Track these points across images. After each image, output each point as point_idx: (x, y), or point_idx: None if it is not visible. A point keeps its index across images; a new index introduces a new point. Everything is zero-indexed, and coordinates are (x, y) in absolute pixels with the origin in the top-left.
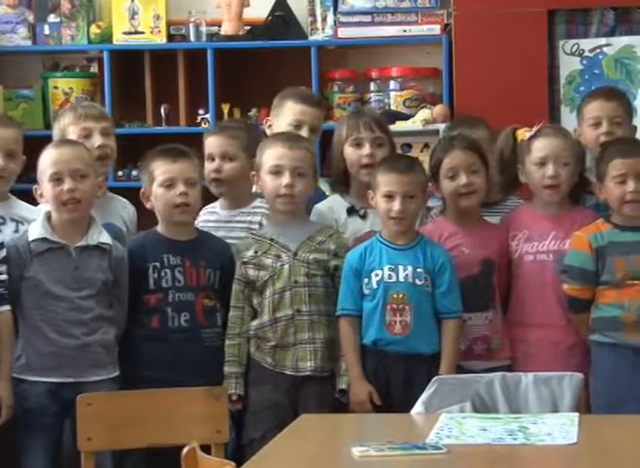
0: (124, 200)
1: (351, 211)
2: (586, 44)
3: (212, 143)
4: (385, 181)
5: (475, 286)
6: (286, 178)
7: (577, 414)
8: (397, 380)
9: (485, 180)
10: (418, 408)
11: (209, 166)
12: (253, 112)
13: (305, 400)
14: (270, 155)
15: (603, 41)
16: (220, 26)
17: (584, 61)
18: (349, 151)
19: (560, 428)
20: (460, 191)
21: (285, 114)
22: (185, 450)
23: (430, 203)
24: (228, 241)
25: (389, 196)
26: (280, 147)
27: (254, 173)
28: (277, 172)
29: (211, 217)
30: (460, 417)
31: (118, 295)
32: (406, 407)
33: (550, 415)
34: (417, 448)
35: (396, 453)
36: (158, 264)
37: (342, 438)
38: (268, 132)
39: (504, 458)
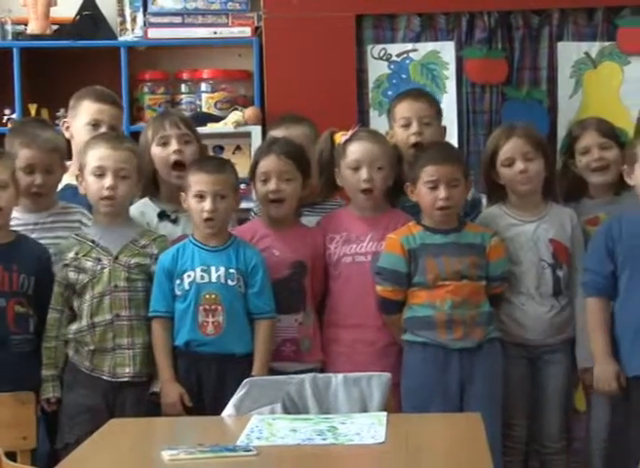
0: None
1: (162, 215)
2: (393, 49)
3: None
4: (196, 181)
5: (285, 288)
6: (108, 180)
7: (385, 414)
8: (209, 382)
9: (297, 188)
10: (229, 410)
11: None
12: (61, 112)
13: (122, 405)
14: (93, 156)
15: (409, 46)
16: (26, 25)
17: (392, 66)
18: (157, 151)
19: (369, 428)
20: (270, 197)
21: (82, 114)
22: None
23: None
24: (51, 241)
25: (200, 196)
26: (103, 148)
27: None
28: (100, 173)
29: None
30: (271, 419)
31: None
32: (218, 408)
33: (359, 415)
34: (227, 451)
35: (206, 456)
36: None
37: (153, 441)
38: (67, 134)
39: (313, 459)
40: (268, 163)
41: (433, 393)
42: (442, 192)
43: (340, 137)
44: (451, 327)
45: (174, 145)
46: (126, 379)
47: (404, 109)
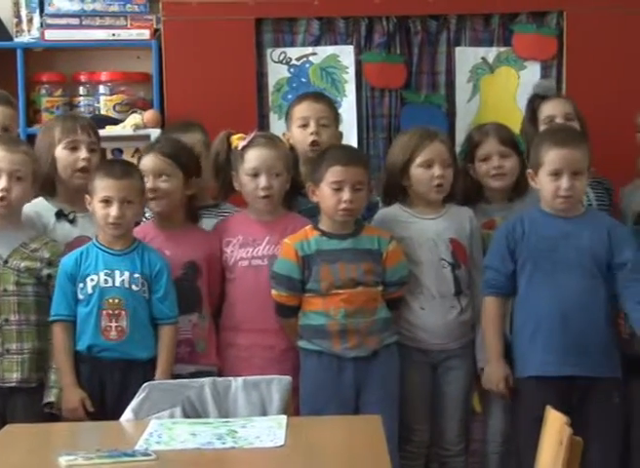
0: None
1: (60, 215)
2: (293, 53)
3: None
4: (103, 187)
5: (178, 289)
6: (2, 182)
7: (284, 417)
8: (112, 387)
9: (176, 185)
10: (127, 414)
11: None
12: None
13: (13, 411)
14: None
15: (309, 50)
16: None
17: (292, 70)
18: (64, 154)
19: (268, 431)
20: (148, 196)
21: None
22: None
23: None
24: None
25: (107, 201)
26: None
27: None
28: None
29: None
30: (171, 423)
31: None
32: (121, 413)
33: (259, 419)
34: (125, 456)
35: (104, 462)
36: None
37: (51, 447)
38: None
39: (213, 463)
40: (146, 161)
41: (329, 398)
42: (346, 194)
43: (237, 140)
44: (344, 336)
45: (83, 152)
46: (14, 385)
47: (302, 110)
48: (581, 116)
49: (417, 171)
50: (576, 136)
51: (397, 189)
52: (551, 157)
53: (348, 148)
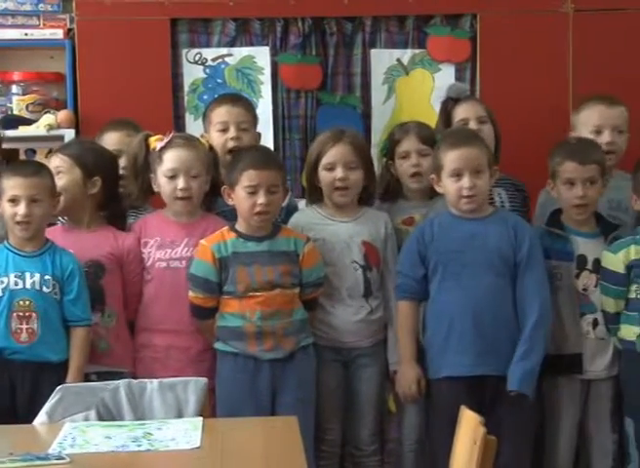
0: None
1: None
2: (209, 53)
3: None
4: (11, 185)
5: None
6: None
7: (200, 419)
8: (23, 390)
9: (73, 184)
10: (41, 417)
11: None
12: None
13: None
14: None
15: (225, 51)
16: None
17: (207, 70)
18: None
19: (184, 433)
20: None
21: None
22: None
23: None
24: None
25: (14, 200)
26: None
27: None
28: None
29: None
30: (85, 426)
31: None
32: (33, 417)
33: (175, 421)
34: (38, 460)
35: (17, 465)
36: None
37: None
38: None
39: (128, 465)
40: (52, 160)
41: (245, 400)
42: (261, 198)
43: (155, 142)
44: (260, 338)
45: None
46: None
47: (221, 114)
48: (494, 118)
49: (322, 173)
50: (471, 136)
51: (314, 189)
52: (450, 158)
53: (262, 151)
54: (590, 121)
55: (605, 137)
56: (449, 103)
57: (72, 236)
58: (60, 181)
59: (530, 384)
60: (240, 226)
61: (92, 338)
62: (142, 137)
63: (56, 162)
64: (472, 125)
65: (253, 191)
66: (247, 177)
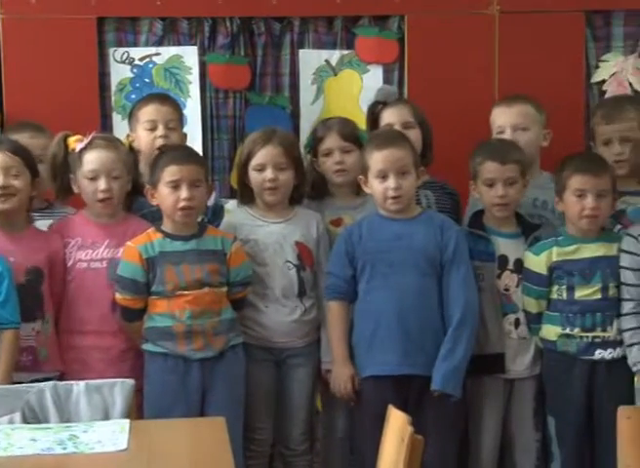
0: None
1: None
2: (136, 53)
3: None
4: None
5: (21, 295)
6: None
7: (127, 421)
8: None
9: (27, 185)
10: None
11: None
12: None
13: None
14: None
15: (153, 50)
16: None
17: (135, 70)
18: None
19: (111, 435)
20: None
21: None
22: None
23: None
24: None
25: None
26: None
27: None
28: None
29: None
30: (10, 428)
31: None
32: None
33: (101, 423)
34: None
35: None
36: None
37: None
38: None
39: None
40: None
41: (174, 401)
42: (184, 192)
43: (75, 143)
44: (190, 337)
45: None
46: None
47: (149, 112)
48: (425, 121)
49: (252, 174)
50: (397, 137)
51: (246, 189)
52: (376, 159)
53: (183, 147)
54: (495, 122)
55: (506, 137)
56: (376, 107)
57: (10, 239)
58: (17, 182)
59: (454, 383)
60: (166, 227)
61: (34, 347)
62: (62, 138)
63: (7, 161)
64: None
65: (175, 185)
66: (169, 173)
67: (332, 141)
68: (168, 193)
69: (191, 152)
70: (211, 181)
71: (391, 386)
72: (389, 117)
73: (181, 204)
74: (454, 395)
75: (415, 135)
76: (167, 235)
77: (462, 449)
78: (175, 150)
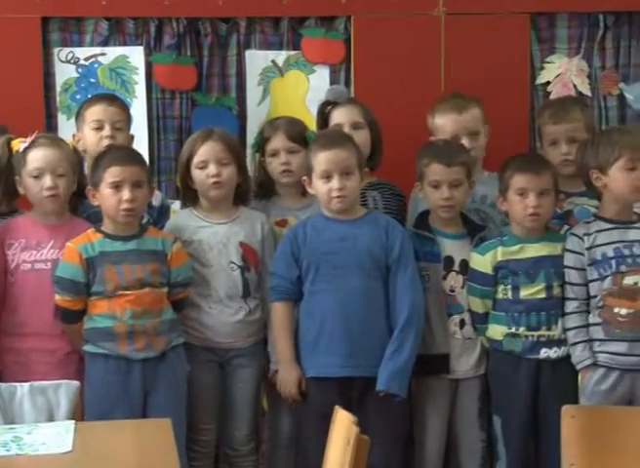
0: None
1: None
2: (81, 52)
3: None
4: None
5: None
6: None
7: (72, 422)
8: None
9: None
10: None
11: None
12: None
13: None
14: None
15: (98, 50)
16: None
17: (80, 70)
18: None
19: (55, 437)
20: None
21: None
22: None
23: None
24: None
25: None
26: None
27: None
28: None
29: None
30: None
31: None
32: None
33: (45, 425)
34: None
35: None
36: None
37: None
38: None
39: None
40: None
41: (116, 402)
42: (126, 193)
43: (18, 144)
44: (132, 337)
45: None
46: None
47: (96, 112)
48: (375, 122)
49: (195, 172)
50: (341, 138)
51: (189, 190)
52: (319, 160)
53: (125, 148)
54: (445, 129)
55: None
56: (326, 107)
57: None
58: None
59: (399, 383)
60: (106, 227)
61: None
62: (5, 141)
63: None
64: (346, 130)
65: (117, 186)
66: (111, 174)
67: (278, 142)
68: (110, 194)
69: (133, 153)
70: (154, 182)
71: (335, 387)
72: (339, 117)
73: (123, 205)
74: (399, 395)
75: (364, 135)
76: (107, 235)
77: (408, 450)
78: (117, 151)
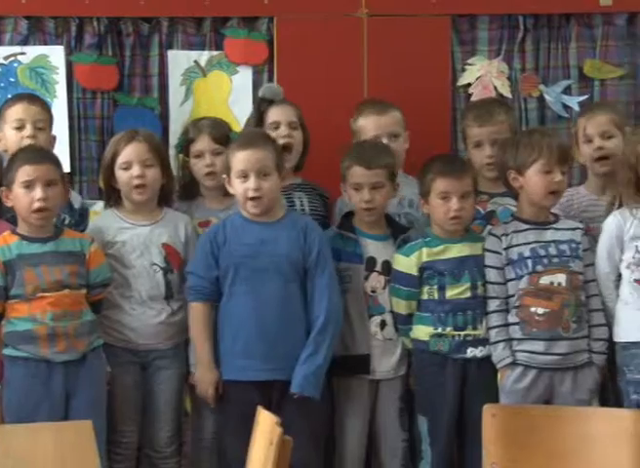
0: None
1: None
2: (1, 51)
3: None
4: None
5: None
6: None
7: None
8: None
9: None
10: None
11: None
12: None
13: None
14: None
15: (17, 49)
16: None
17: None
18: None
19: None
20: None
21: None
22: None
23: None
24: None
25: None
26: None
27: None
28: None
29: None
30: None
31: None
32: None
33: None
34: None
35: None
36: None
37: None
38: None
39: None
40: None
41: (37, 405)
42: (39, 192)
43: None
44: (53, 340)
45: None
46: None
47: (18, 111)
48: (304, 124)
49: (118, 173)
50: (259, 138)
51: (112, 190)
52: (237, 159)
53: (37, 147)
54: (367, 130)
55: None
56: (262, 104)
57: None
58: None
59: (313, 386)
60: (22, 229)
61: None
62: None
63: None
64: (283, 129)
65: (29, 185)
66: (23, 173)
67: (203, 143)
68: (22, 194)
69: (46, 152)
70: (76, 183)
71: (254, 389)
72: (275, 115)
73: (36, 204)
74: (313, 397)
75: (299, 135)
76: (23, 238)
77: (330, 450)
78: (29, 151)
